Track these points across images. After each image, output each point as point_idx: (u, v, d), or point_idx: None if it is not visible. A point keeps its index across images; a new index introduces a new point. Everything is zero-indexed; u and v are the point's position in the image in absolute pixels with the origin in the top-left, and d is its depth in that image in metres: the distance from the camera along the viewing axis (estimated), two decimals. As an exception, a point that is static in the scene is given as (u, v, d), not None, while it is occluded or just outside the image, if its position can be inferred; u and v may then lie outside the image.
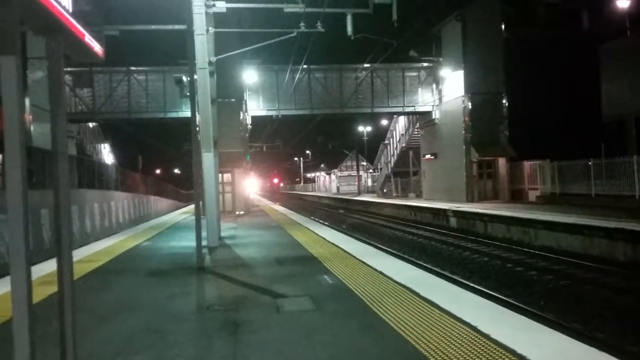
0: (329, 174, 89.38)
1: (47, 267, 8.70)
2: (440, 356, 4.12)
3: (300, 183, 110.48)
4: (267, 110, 29.01)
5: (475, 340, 4.46)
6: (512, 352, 4.12)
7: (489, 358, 4.03)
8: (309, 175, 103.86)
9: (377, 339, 4.66)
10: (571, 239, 14.49)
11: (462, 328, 4.84)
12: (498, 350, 4.17)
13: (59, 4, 3.05)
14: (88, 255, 11.07)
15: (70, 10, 3.23)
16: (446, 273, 12.09)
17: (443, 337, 4.60)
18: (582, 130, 29.60)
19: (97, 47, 3.83)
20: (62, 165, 3.43)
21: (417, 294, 6.32)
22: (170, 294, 6.96)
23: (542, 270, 12.25)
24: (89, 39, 3.62)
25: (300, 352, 4.41)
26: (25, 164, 2.85)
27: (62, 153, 3.44)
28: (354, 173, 63.92)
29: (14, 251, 2.85)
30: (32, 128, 17.46)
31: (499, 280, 11.75)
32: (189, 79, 10.24)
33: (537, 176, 24.88)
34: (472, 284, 10.56)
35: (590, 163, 20.66)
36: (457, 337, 4.58)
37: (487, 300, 6.31)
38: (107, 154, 40.50)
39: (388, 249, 15.78)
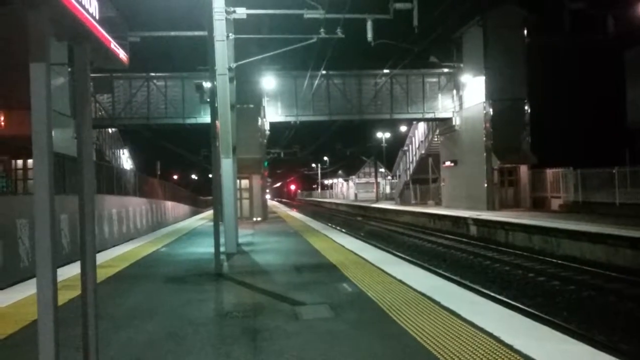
0: (346, 180, 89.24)
1: (67, 272, 8.82)
2: (463, 367, 4.05)
3: (317, 190, 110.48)
4: (286, 116, 29.08)
5: (498, 351, 4.37)
6: (537, 364, 4.04)
7: (514, 370, 3.95)
8: (326, 181, 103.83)
9: (397, 349, 4.60)
10: (595, 249, 14.22)
11: (485, 338, 4.76)
12: (522, 363, 4.09)
13: (87, 11, 3.08)
14: (107, 261, 11.18)
15: (97, 18, 3.27)
16: (467, 282, 11.93)
17: (466, 347, 4.52)
18: (607, 137, 29.11)
19: (122, 54, 3.86)
20: (87, 172, 3.45)
21: (438, 303, 6.24)
22: (188, 300, 6.98)
23: (565, 280, 12.03)
24: (114, 45, 3.65)
25: (321, 360, 4.37)
26: (52, 169, 2.88)
27: (88, 159, 3.47)
28: (372, 180, 63.71)
29: (41, 255, 2.87)
30: (53, 133, 17.71)
31: (520, 290, 11.56)
32: (209, 85, 10.30)
33: (559, 184, 24.52)
34: (493, 294, 10.41)
35: (614, 171, 20.30)
36: (479, 347, 4.50)
37: (509, 310, 6.21)
38: (125, 160, 40.99)
39: (407, 257, 15.66)
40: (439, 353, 4.39)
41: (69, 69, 19.32)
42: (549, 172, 25.46)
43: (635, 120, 26.05)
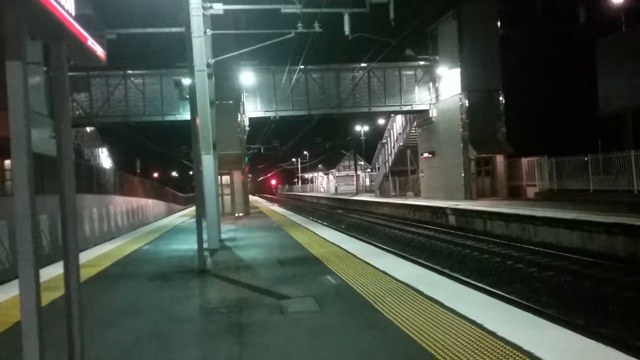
0: (327, 174, 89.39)
1: (48, 272, 8.69)
2: (447, 355, 4.12)
3: (298, 184, 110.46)
4: (265, 111, 29.00)
5: (482, 338, 4.46)
6: (519, 348, 4.13)
7: (497, 355, 4.03)
8: (307, 175, 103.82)
9: (383, 339, 4.66)
10: (571, 235, 14.52)
11: (468, 326, 4.85)
12: (505, 348, 4.18)
13: (63, 8, 3.05)
14: (88, 260, 11.05)
15: (74, 15, 3.23)
16: (447, 271, 12.09)
17: (449, 335, 4.60)
18: (580, 126, 29.65)
19: (100, 51, 3.82)
20: (67, 170, 3.42)
21: (421, 293, 6.32)
22: (173, 297, 6.95)
23: (543, 267, 12.27)
24: (91, 42, 3.61)
25: (307, 353, 4.40)
26: (32, 169, 2.85)
27: (68, 158, 3.44)
28: (352, 173, 63.97)
29: (23, 256, 2.84)
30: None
31: (500, 277, 11.77)
32: (188, 81, 10.23)
33: (535, 172, 24.95)
34: (474, 282, 10.57)
35: (587, 158, 20.71)
36: (463, 335, 4.59)
37: (490, 298, 6.32)
38: (105, 158, 40.50)
39: (389, 248, 15.78)
40: (424, 342, 4.46)
41: (45, 68, 18.98)
42: (525, 161, 25.89)
43: (606, 109, 26.59)
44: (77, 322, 3.53)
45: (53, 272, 8.59)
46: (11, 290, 7.57)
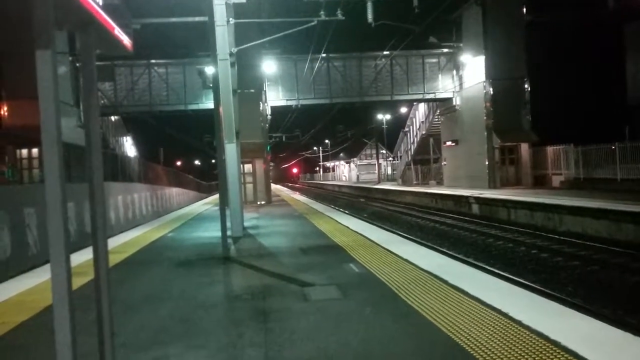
0: (348, 162, 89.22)
1: (76, 258, 8.85)
2: (473, 343, 4.11)
3: (319, 172, 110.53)
4: (287, 100, 29.06)
5: (507, 327, 4.43)
6: (546, 337, 4.09)
7: (523, 344, 4.00)
8: (328, 164, 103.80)
9: (407, 327, 4.66)
10: (597, 224, 14.27)
11: (493, 315, 4.82)
12: (531, 337, 4.14)
13: (91, -3, 3.08)
14: (114, 247, 11.24)
15: (101, 4, 3.26)
16: (471, 260, 12.01)
17: (475, 324, 4.58)
18: (607, 114, 28.99)
19: (126, 40, 3.85)
20: (96, 158, 3.48)
21: (445, 282, 6.29)
22: (198, 284, 7.05)
23: (568, 256, 12.10)
24: (118, 32, 3.65)
25: (332, 340, 4.42)
26: (62, 157, 2.90)
27: (96, 147, 3.49)
28: (374, 161, 63.69)
29: (54, 241, 2.90)
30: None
31: (524, 266, 11.65)
32: (211, 70, 10.27)
33: (560, 161, 24.53)
34: (498, 271, 10.48)
35: (614, 147, 20.28)
36: (488, 324, 4.56)
37: (515, 287, 6.27)
38: (129, 147, 41.05)
39: (412, 237, 15.72)
40: (449, 330, 4.45)
41: (70, 58, 19.28)
42: (550, 150, 25.45)
43: (635, 95, 25.92)
44: (106, 307, 3.60)
45: (81, 258, 8.76)
46: (41, 275, 7.77)
